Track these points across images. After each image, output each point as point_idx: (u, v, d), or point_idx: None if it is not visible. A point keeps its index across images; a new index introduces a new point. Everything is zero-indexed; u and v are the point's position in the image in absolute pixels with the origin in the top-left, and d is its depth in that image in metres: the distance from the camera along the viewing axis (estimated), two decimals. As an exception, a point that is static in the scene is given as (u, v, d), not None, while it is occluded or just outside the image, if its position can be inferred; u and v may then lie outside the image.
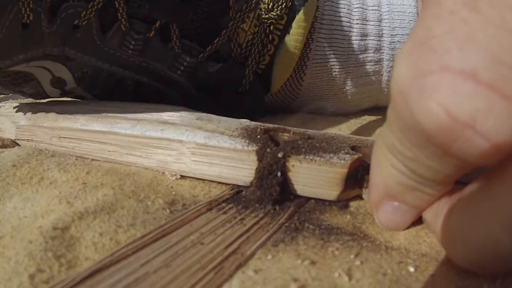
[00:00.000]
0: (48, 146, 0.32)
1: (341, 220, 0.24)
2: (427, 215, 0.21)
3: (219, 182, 0.28)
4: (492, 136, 0.15)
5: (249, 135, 0.27)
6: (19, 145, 0.33)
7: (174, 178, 0.28)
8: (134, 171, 0.28)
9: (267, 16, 0.39)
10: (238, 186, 0.27)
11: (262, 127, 0.29)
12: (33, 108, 0.33)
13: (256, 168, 0.26)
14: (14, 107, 0.35)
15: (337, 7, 0.43)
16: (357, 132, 0.40)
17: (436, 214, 0.20)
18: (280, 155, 0.26)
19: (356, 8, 0.43)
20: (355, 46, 0.43)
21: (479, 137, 0.15)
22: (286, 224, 0.23)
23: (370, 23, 0.43)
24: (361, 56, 0.43)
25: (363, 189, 0.26)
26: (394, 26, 0.43)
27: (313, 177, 0.25)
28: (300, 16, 0.40)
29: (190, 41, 0.39)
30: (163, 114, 0.30)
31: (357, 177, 0.26)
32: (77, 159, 0.30)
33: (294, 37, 0.40)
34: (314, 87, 0.45)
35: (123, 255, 0.20)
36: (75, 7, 0.34)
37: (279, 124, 0.31)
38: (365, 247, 0.21)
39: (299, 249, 0.21)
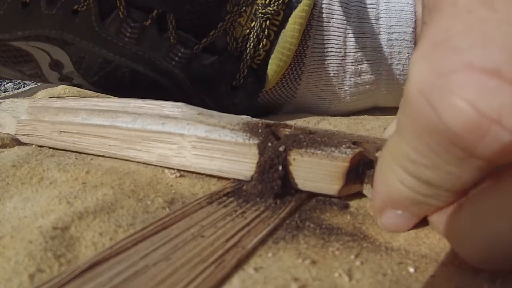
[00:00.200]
0: (48, 141, 0.31)
1: (341, 220, 0.24)
2: (432, 214, 0.21)
3: (219, 179, 0.27)
4: None
5: (250, 129, 0.27)
6: (19, 145, 0.32)
7: (173, 176, 0.28)
8: (134, 169, 0.28)
9: (263, 11, 0.39)
10: (239, 180, 0.27)
11: (263, 122, 0.29)
12: (34, 104, 0.33)
13: (257, 162, 0.26)
14: (15, 103, 0.34)
15: (335, 5, 0.43)
16: (357, 132, 0.40)
17: (442, 213, 0.20)
18: (281, 148, 0.25)
19: (354, 6, 0.43)
20: (352, 44, 0.43)
21: (506, 132, 0.15)
22: (287, 221, 0.23)
23: (367, 21, 0.43)
24: (358, 54, 0.43)
25: (364, 184, 0.26)
26: (392, 24, 0.43)
27: (314, 171, 0.25)
28: (296, 12, 0.40)
29: (186, 32, 0.39)
30: (164, 109, 0.29)
31: (359, 172, 0.26)
32: (77, 158, 0.29)
33: (290, 33, 0.40)
34: (312, 85, 0.45)
35: (123, 248, 0.20)
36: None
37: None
38: (365, 248, 0.21)
39: (300, 248, 0.21)
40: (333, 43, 0.43)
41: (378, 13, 0.43)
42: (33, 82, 0.90)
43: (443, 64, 0.16)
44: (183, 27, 0.39)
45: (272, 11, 0.39)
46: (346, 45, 0.43)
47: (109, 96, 0.44)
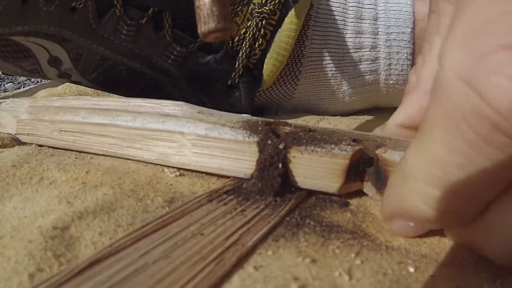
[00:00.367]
0: (49, 140, 0.31)
1: (341, 217, 0.24)
2: None
3: (218, 178, 0.27)
4: None
5: (250, 127, 0.27)
6: (19, 145, 0.32)
7: (173, 175, 0.27)
8: (134, 169, 0.28)
9: (260, 10, 0.39)
10: (239, 178, 0.27)
11: (263, 120, 0.29)
12: (35, 103, 0.33)
13: (257, 160, 0.26)
14: (15, 102, 0.34)
15: (332, 5, 0.43)
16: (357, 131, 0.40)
17: None
18: (281, 146, 0.25)
19: (352, 6, 0.43)
20: (350, 43, 0.43)
21: None
22: (287, 219, 0.23)
23: (365, 21, 0.43)
24: (356, 54, 0.43)
25: (365, 182, 0.26)
26: (390, 24, 0.43)
27: (314, 168, 0.25)
28: (293, 12, 0.40)
29: (182, 31, 0.40)
30: (164, 107, 0.29)
31: (359, 170, 0.26)
32: (76, 158, 0.29)
33: (286, 33, 0.40)
34: (310, 86, 0.44)
35: (122, 246, 0.20)
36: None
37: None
38: (365, 246, 0.21)
39: (300, 246, 0.21)
40: (331, 43, 0.43)
41: (376, 13, 0.43)
42: (33, 80, 0.90)
43: (483, 47, 0.16)
44: (179, 26, 0.40)
45: (269, 11, 0.39)
46: (344, 45, 0.43)
47: (109, 94, 0.44)
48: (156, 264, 0.19)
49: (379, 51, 0.43)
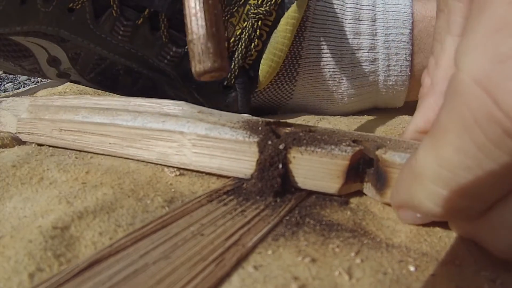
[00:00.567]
0: (49, 139, 0.31)
1: (341, 216, 0.24)
2: None
3: (218, 178, 0.27)
4: None
5: (250, 127, 0.27)
6: (19, 144, 0.32)
7: (173, 175, 0.27)
8: (133, 169, 0.28)
9: (255, 11, 0.39)
10: (239, 178, 0.27)
11: (263, 121, 0.29)
12: (35, 102, 0.33)
13: (257, 160, 0.26)
14: (15, 101, 0.34)
15: (330, 6, 0.43)
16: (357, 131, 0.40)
17: None
18: (281, 146, 0.25)
19: (350, 7, 0.43)
20: (348, 45, 0.43)
21: None
22: (287, 218, 0.23)
23: (363, 23, 0.43)
24: (355, 55, 0.43)
25: (365, 183, 0.26)
26: (388, 25, 0.43)
27: (314, 169, 0.25)
28: (289, 13, 0.40)
29: (178, 31, 0.40)
30: (164, 107, 0.29)
31: (359, 170, 0.26)
32: (76, 158, 0.29)
33: (282, 34, 0.40)
34: (308, 86, 0.44)
35: (122, 247, 0.20)
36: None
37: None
38: (365, 245, 0.21)
39: (299, 245, 0.21)
40: (329, 45, 0.43)
41: (374, 15, 0.43)
42: (33, 80, 0.90)
43: (502, 51, 0.16)
44: (175, 26, 0.40)
45: (264, 12, 0.39)
46: (342, 46, 0.43)
47: (110, 94, 0.45)
48: (156, 264, 0.19)
49: (378, 52, 0.43)
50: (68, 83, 0.52)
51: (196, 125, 0.27)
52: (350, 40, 0.43)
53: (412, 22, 0.43)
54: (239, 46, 0.40)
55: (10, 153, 0.30)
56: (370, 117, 0.45)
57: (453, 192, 0.18)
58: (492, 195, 0.18)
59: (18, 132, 0.33)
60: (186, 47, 0.40)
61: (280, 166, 0.25)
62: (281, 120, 0.29)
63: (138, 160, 0.29)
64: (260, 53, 0.41)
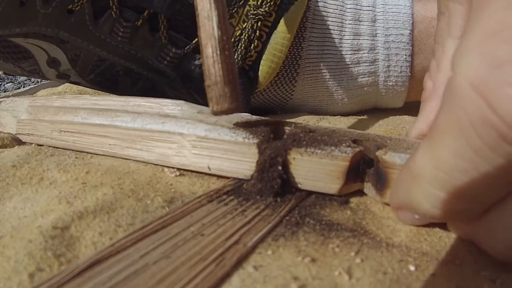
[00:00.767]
0: (49, 140, 0.31)
1: (341, 215, 0.24)
2: None
3: (218, 178, 0.27)
4: None
5: (250, 128, 0.27)
6: (19, 145, 0.33)
7: (173, 175, 0.27)
8: (134, 169, 0.28)
9: (255, 12, 0.39)
10: (239, 179, 0.27)
11: (263, 121, 0.29)
12: (34, 103, 0.33)
13: (257, 161, 0.26)
14: (15, 102, 0.35)
15: (330, 7, 0.43)
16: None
17: None
18: (281, 148, 0.25)
19: (350, 8, 0.43)
20: (348, 45, 0.43)
21: None
22: (287, 218, 0.23)
23: (363, 23, 0.43)
24: (355, 56, 0.43)
25: (365, 183, 0.26)
26: (388, 26, 0.43)
27: (314, 170, 0.25)
28: (288, 14, 0.40)
29: (177, 32, 0.40)
30: (164, 107, 0.29)
31: (359, 171, 0.26)
32: (77, 158, 0.29)
33: (281, 35, 0.40)
34: (308, 87, 0.45)
35: (122, 247, 0.20)
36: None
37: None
38: (365, 244, 0.21)
39: (299, 245, 0.21)
40: (329, 45, 0.43)
41: (374, 15, 0.43)
42: (33, 80, 0.90)
43: (498, 56, 0.16)
44: (175, 27, 0.40)
45: (264, 12, 0.39)
46: (342, 47, 0.43)
47: (109, 94, 0.45)
48: (156, 264, 0.19)
49: (378, 53, 0.43)
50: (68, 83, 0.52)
51: (196, 126, 0.27)
52: (350, 41, 0.43)
53: (412, 23, 0.43)
54: (239, 47, 0.40)
55: (10, 153, 0.30)
56: (370, 117, 0.45)
57: (450, 194, 0.18)
58: (489, 198, 0.18)
59: (18, 133, 0.33)
60: (185, 48, 0.40)
61: (280, 167, 0.25)
62: (281, 120, 0.29)
63: (138, 161, 0.29)
64: (260, 54, 0.41)
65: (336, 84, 0.44)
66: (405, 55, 0.43)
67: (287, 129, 0.28)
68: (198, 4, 0.28)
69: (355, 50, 0.43)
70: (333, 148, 0.25)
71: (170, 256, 0.19)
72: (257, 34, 0.40)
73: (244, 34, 0.40)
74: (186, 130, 0.27)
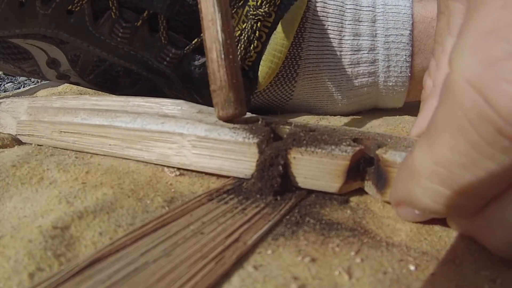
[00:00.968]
0: (49, 141, 0.31)
1: (341, 215, 0.24)
2: None
3: (218, 178, 0.27)
4: None
5: (250, 128, 0.27)
6: (19, 144, 0.33)
7: (173, 175, 0.27)
8: (133, 169, 0.28)
9: (254, 12, 0.39)
10: (239, 178, 0.27)
11: (263, 120, 0.29)
12: (34, 103, 0.33)
13: (257, 161, 0.26)
14: (14, 103, 0.34)
15: (329, 7, 0.43)
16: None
17: None
18: (281, 147, 0.25)
19: (350, 8, 0.43)
20: (348, 46, 0.43)
21: None
22: (287, 217, 0.23)
23: (363, 24, 0.43)
24: (355, 56, 0.43)
25: (365, 181, 0.26)
26: (388, 26, 0.43)
27: (315, 169, 0.25)
28: (288, 14, 0.40)
29: (177, 33, 0.40)
30: (163, 107, 0.29)
31: (359, 169, 0.26)
32: (76, 158, 0.29)
33: (281, 35, 0.40)
34: (308, 87, 0.45)
35: (122, 245, 0.20)
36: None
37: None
38: (365, 244, 0.21)
39: (299, 244, 0.21)
40: (329, 45, 0.43)
41: (374, 16, 0.43)
42: (33, 80, 0.90)
43: (494, 54, 0.16)
44: (174, 28, 0.40)
45: (263, 13, 0.39)
46: (342, 47, 0.43)
47: (108, 94, 0.45)
48: (156, 262, 0.19)
49: (378, 53, 0.43)
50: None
51: (196, 126, 0.27)
52: (350, 41, 0.43)
53: (412, 23, 0.43)
54: (238, 47, 0.40)
55: (10, 153, 0.30)
56: (370, 117, 0.45)
57: (449, 189, 0.18)
58: (488, 192, 0.18)
59: (18, 134, 0.33)
60: (185, 49, 0.40)
61: (280, 166, 0.25)
62: (281, 119, 0.29)
63: (138, 161, 0.29)
64: (260, 55, 0.41)
65: (336, 85, 0.44)
66: (405, 55, 0.43)
67: (287, 128, 0.28)
68: (202, 7, 0.28)
69: (355, 50, 0.43)
70: (333, 147, 0.25)
71: (170, 254, 0.19)
72: (257, 34, 0.40)
73: (243, 34, 0.40)
74: (186, 130, 0.27)
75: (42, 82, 0.68)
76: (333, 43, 0.43)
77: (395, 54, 0.43)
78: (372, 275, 0.19)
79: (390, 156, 0.24)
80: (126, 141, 0.29)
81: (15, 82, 0.93)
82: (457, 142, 0.17)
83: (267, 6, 0.40)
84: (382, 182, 0.25)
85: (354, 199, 0.26)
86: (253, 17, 0.40)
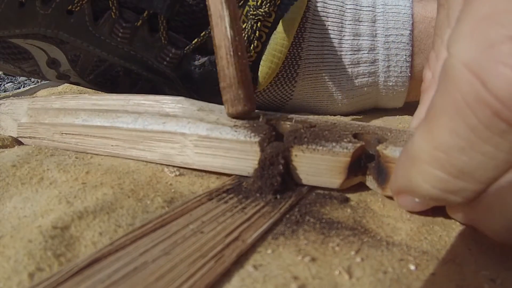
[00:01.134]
0: (51, 142, 0.31)
1: (341, 214, 0.24)
2: None
3: (218, 178, 0.27)
4: None
5: (251, 126, 0.27)
6: (19, 145, 0.32)
7: (173, 175, 0.27)
8: (133, 169, 0.28)
9: (254, 12, 0.39)
10: (239, 177, 0.27)
11: (264, 116, 0.29)
12: (33, 105, 0.33)
13: (259, 159, 0.26)
14: (14, 104, 0.34)
15: (330, 8, 0.43)
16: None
17: None
18: (282, 145, 0.25)
19: (350, 8, 0.43)
20: (348, 46, 0.43)
21: None
22: (287, 216, 0.23)
23: (363, 24, 0.43)
24: (355, 56, 0.43)
25: (367, 176, 0.26)
26: (388, 26, 0.43)
27: (316, 166, 0.25)
28: (288, 14, 0.40)
29: (177, 33, 0.40)
30: (164, 105, 0.29)
31: (360, 165, 0.26)
32: (77, 158, 0.29)
33: (281, 35, 0.40)
34: (308, 87, 0.44)
35: (122, 245, 0.20)
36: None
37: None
38: (365, 243, 0.21)
39: (299, 244, 0.21)
40: (329, 46, 0.43)
41: (374, 16, 0.43)
42: (33, 80, 0.90)
43: (490, 37, 0.16)
44: (174, 28, 0.40)
45: (263, 13, 0.39)
46: (342, 47, 0.43)
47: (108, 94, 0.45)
48: (155, 262, 0.19)
49: (378, 53, 0.43)
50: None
51: (197, 126, 0.27)
52: (350, 41, 0.43)
53: (412, 23, 0.43)
54: None
55: (10, 153, 0.30)
56: (370, 117, 0.45)
57: (448, 173, 0.18)
58: (487, 176, 0.18)
59: (20, 137, 0.33)
60: (185, 49, 0.40)
61: (281, 165, 0.25)
62: (281, 115, 0.30)
63: (140, 161, 0.29)
64: (260, 55, 0.41)
65: (336, 85, 0.44)
66: (405, 55, 0.43)
67: (287, 124, 0.29)
68: (211, 4, 0.28)
69: (355, 50, 0.43)
70: (334, 144, 0.25)
71: (169, 253, 0.19)
72: (257, 34, 0.40)
73: (243, 34, 0.40)
74: (187, 130, 0.27)
75: (42, 82, 0.68)
76: (333, 43, 0.43)
77: (395, 54, 0.43)
78: (372, 275, 0.19)
79: (390, 151, 0.24)
80: (129, 141, 0.29)
81: (15, 82, 0.93)
82: (456, 125, 0.17)
83: (267, 6, 0.40)
84: (382, 177, 0.25)
85: (354, 198, 0.26)
86: (253, 17, 0.40)
